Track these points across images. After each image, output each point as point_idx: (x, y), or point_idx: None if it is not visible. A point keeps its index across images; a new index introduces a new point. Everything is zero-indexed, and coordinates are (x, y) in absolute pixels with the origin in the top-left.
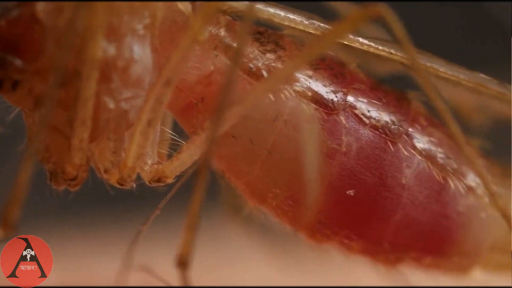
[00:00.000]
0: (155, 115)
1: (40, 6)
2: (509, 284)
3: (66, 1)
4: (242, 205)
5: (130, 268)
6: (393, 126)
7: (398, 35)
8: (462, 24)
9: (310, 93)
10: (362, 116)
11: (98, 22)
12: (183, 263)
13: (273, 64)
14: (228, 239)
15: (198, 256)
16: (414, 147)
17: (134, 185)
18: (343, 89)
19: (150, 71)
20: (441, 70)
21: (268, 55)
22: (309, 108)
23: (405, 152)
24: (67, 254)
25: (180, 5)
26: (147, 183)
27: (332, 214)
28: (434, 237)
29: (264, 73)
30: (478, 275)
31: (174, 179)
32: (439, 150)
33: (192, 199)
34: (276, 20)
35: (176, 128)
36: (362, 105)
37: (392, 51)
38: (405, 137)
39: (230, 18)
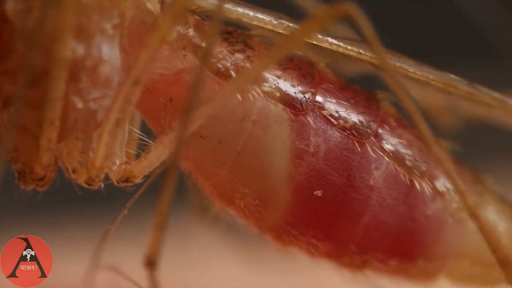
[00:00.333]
0: (124, 115)
1: (9, 6)
2: None
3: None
4: (209, 205)
5: (98, 267)
6: (361, 127)
7: (366, 34)
8: (431, 22)
9: (278, 94)
10: (330, 117)
11: (67, 22)
12: (151, 263)
13: (241, 64)
14: (196, 239)
15: (166, 256)
16: (383, 149)
17: (102, 185)
18: (312, 89)
19: (118, 71)
20: (410, 70)
21: (237, 55)
22: (277, 109)
23: (373, 154)
24: None
25: (149, 4)
26: (115, 183)
27: (299, 215)
28: (400, 240)
29: (233, 73)
30: (444, 284)
31: (142, 179)
32: (408, 152)
33: (160, 199)
34: (245, 20)
35: (144, 128)
36: (331, 106)
37: (361, 51)
38: (373, 138)
39: (198, 18)
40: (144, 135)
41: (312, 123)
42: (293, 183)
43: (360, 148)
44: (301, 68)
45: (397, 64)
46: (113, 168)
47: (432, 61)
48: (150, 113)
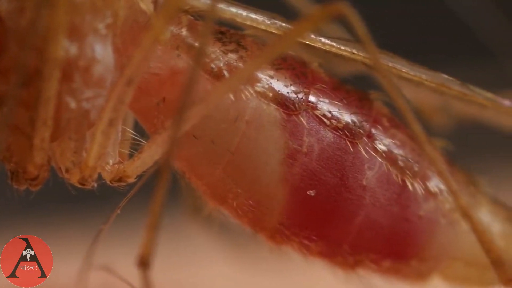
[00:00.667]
0: (117, 115)
1: (1, 5)
2: None
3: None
4: (202, 205)
5: (90, 267)
6: (354, 127)
7: (359, 34)
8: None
9: (271, 94)
10: (323, 117)
11: (60, 22)
12: (144, 263)
13: (235, 64)
14: (190, 239)
15: (159, 256)
16: (375, 149)
17: (95, 185)
18: (305, 89)
19: (111, 71)
20: (403, 70)
21: (230, 55)
22: (270, 109)
23: (365, 154)
24: None
25: (142, 4)
26: (108, 182)
27: (292, 214)
28: (393, 240)
29: (226, 73)
30: (437, 285)
31: (135, 178)
32: (401, 152)
33: (153, 198)
34: (238, 20)
35: (137, 127)
36: (324, 106)
37: (354, 51)
38: (366, 138)
39: (192, 17)
40: (137, 135)
41: (305, 123)
42: (286, 183)
43: (353, 148)
44: (294, 68)
45: (390, 64)
46: (106, 168)
47: (425, 61)
48: (143, 112)
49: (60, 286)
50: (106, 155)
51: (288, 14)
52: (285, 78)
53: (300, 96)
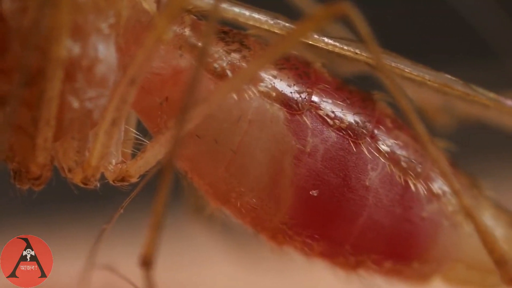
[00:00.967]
0: (120, 115)
1: (4, 5)
2: None
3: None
4: (205, 205)
5: (93, 267)
6: (357, 128)
7: (362, 34)
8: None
9: (274, 93)
10: (326, 117)
11: (63, 21)
12: (147, 263)
13: (238, 64)
14: (192, 238)
15: (162, 255)
16: (378, 150)
17: (98, 184)
18: (308, 89)
19: (114, 71)
20: (406, 70)
21: (233, 54)
22: (273, 109)
23: (368, 154)
24: None
25: (145, 4)
26: (111, 182)
27: (295, 214)
28: (395, 241)
29: (229, 72)
30: (439, 287)
31: (138, 178)
32: (404, 153)
33: (156, 198)
34: (241, 19)
35: (140, 127)
36: (327, 106)
37: (357, 51)
38: (369, 139)
39: (195, 17)
40: (140, 135)
41: (308, 123)
42: (290, 183)
43: (356, 149)
44: (297, 68)
45: (393, 64)
46: (109, 168)
47: (428, 61)
48: (146, 112)
49: (62, 286)
50: (109, 154)
51: (291, 14)
52: (288, 78)
53: (303, 96)
